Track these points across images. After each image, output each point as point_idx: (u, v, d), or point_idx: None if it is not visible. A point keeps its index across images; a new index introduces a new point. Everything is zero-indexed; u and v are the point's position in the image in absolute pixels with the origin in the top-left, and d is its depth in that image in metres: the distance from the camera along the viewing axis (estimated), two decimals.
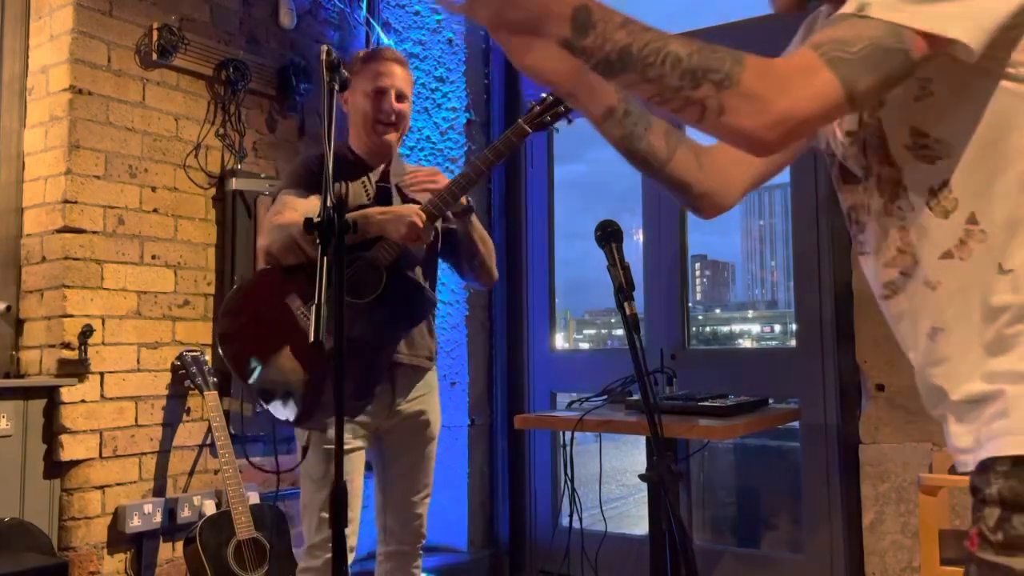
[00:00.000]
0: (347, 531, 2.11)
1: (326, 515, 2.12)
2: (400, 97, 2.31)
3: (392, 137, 2.33)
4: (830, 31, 0.88)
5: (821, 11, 1.21)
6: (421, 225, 2.07)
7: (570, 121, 2.16)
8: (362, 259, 2.13)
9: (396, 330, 2.19)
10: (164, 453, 3.02)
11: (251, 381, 2.16)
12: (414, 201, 2.27)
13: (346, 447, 2.09)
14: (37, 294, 2.83)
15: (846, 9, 0.90)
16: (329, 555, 2.07)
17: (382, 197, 2.29)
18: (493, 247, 2.39)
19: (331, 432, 2.10)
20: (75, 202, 2.81)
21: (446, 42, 3.93)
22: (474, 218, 2.32)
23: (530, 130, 2.15)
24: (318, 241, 1.54)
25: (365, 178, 2.31)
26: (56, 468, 2.74)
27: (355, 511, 2.21)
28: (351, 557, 2.21)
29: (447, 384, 3.84)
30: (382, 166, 2.36)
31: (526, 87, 4.00)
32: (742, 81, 0.85)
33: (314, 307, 1.47)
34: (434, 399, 2.38)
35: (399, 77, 2.32)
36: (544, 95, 2.17)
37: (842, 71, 0.85)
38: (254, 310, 2.19)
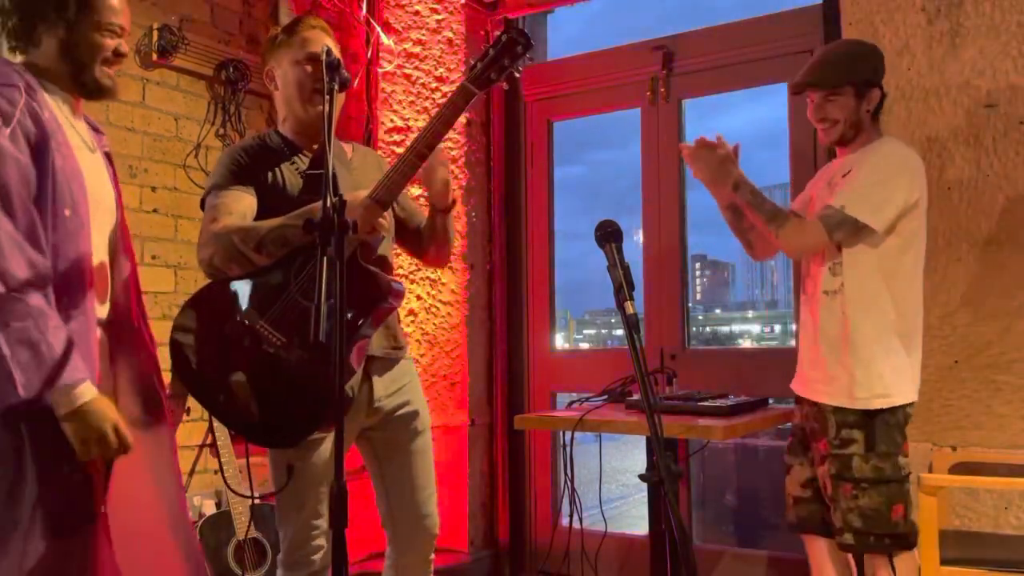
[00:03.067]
0: (321, 541, 2.03)
1: (307, 533, 2.03)
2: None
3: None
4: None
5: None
6: (374, 217, 1.91)
7: (518, 72, 2.00)
8: (316, 260, 1.89)
9: (362, 328, 1.96)
10: None
11: (219, 411, 2.05)
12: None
13: (312, 436, 1.97)
14: None
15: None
16: (306, 570, 2.02)
17: (314, 182, 2.02)
18: (453, 236, 2.28)
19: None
20: None
21: (446, 42, 3.93)
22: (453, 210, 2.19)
23: (476, 90, 1.97)
24: (317, 240, 1.52)
25: (297, 158, 2.10)
26: None
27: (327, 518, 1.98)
28: (327, 560, 2.03)
29: (447, 384, 3.84)
30: (315, 146, 2.13)
31: (526, 87, 4.00)
32: (784, 228, 2.25)
33: (314, 308, 1.47)
34: (416, 388, 2.21)
35: (329, 42, 2.12)
36: (488, 48, 1.98)
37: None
38: (208, 331, 1.99)
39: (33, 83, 1.69)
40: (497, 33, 2.01)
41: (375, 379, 2.09)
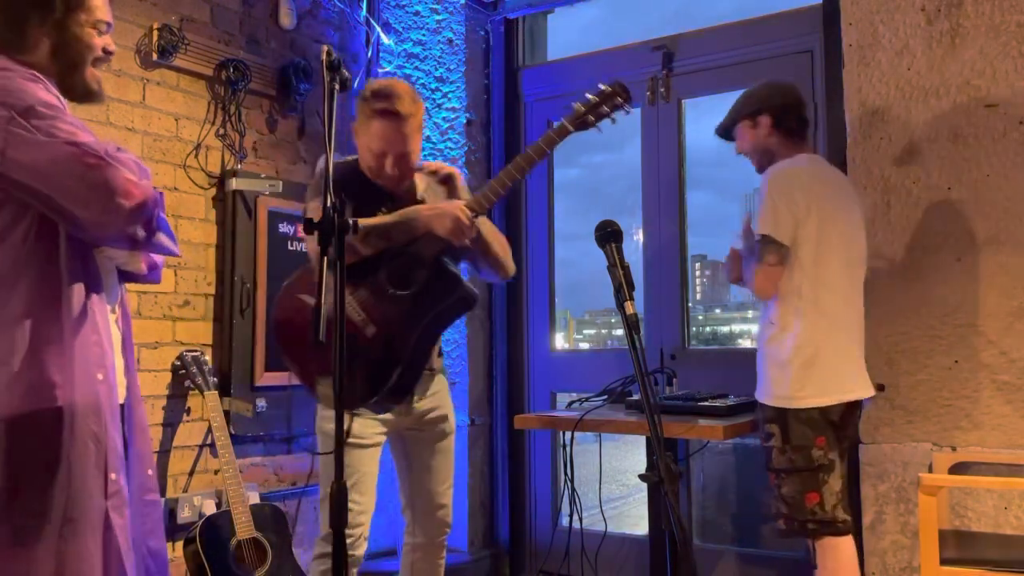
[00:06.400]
0: (361, 520, 2.28)
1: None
2: (401, 156, 2.27)
3: (403, 184, 2.35)
4: None
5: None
6: (466, 221, 2.18)
7: (613, 121, 2.25)
8: (407, 253, 2.22)
9: (438, 323, 2.28)
10: (164, 453, 3.03)
11: (303, 371, 2.28)
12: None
13: (367, 441, 2.30)
14: None
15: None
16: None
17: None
18: (506, 241, 2.46)
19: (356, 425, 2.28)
20: None
21: (446, 42, 3.93)
22: (482, 217, 2.35)
23: (572, 129, 2.23)
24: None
25: (389, 204, 2.32)
26: None
27: (370, 499, 2.34)
28: (363, 547, 2.34)
29: (447, 384, 3.84)
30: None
31: (526, 88, 4.00)
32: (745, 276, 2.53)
33: (313, 307, 1.48)
34: (447, 396, 2.50)
35: (399, 132, 2.25)
36: (589, 95, 2.23)
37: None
38: (298, 308, 2.26)
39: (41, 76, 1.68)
40: (601, 85, 2.26)
41: (417, 385, 2.35)
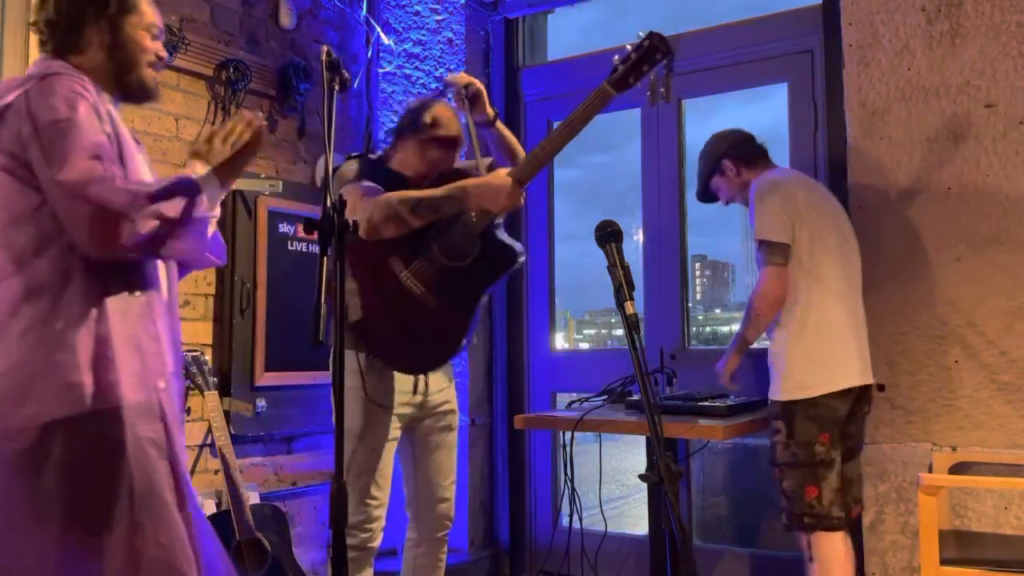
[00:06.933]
0: (379, 513, 2.36)
1: (365, 499, 2.34)
2: (442, 172, 2.41)
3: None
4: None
5: None
6: (511, 191, 2.22)
7: (652, 77, 2.24)
8: (458, 223, 2.30)
9: (488, 287, 2.37)
10: None
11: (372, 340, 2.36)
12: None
13: (389, 436, 2.37)
14: None
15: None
16: (362, 535, 2.33)
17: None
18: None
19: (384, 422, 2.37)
20: None
21: (446, 42, 3.93)
22: (498, 122, 2.48)
23: (613, 91, 2.10)
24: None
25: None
26: None
27: (387, 494, 2.41)
28: (380, 538, 2.41)
29: None
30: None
31: (526, 88, 4.00)
32: (751, 308, 2.52)
33: (312, 308, 1.48)
34: (453, 390, 2.58)
35: (451, 158, 2.46)
36: (629, 49, 2.08)
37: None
38: (360, 268, 2.35)
39: (89, 80, 1.66)
40: (640, 36, 2.10)
41: (431, 378, 2.47)
